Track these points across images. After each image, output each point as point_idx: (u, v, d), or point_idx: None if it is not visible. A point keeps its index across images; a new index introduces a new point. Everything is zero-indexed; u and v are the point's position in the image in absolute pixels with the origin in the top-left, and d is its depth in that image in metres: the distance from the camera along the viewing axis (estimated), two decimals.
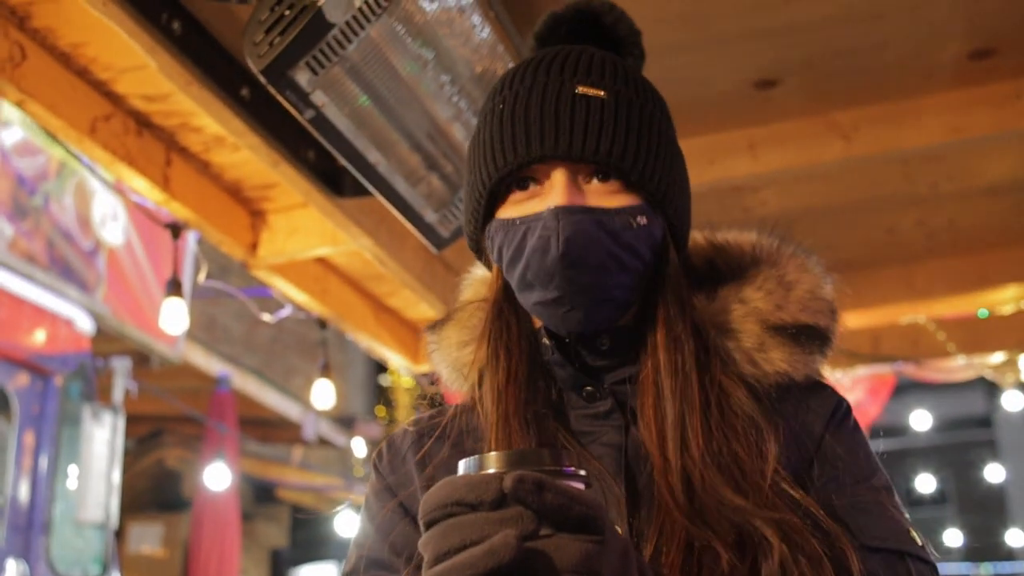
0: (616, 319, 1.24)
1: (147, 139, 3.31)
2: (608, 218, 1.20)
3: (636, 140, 1.23)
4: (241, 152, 3.45)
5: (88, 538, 6.23)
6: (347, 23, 2.28)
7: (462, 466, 0.88)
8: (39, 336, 6.14)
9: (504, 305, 1.30)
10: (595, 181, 1.22)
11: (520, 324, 1.29)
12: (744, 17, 2.98)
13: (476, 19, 2.63)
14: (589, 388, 1.26)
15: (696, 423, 1.18)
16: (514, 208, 1.25)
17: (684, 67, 3.08)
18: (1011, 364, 5.27)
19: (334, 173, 3.21)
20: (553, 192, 1.21)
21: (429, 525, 0.85)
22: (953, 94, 3.38)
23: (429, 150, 2.82)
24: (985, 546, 18.84)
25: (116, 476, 6.40)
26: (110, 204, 6.83)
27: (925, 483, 14.44)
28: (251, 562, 9.45)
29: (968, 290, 4.80)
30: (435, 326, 1.42)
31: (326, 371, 4.61)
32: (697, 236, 1.38)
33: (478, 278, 1.44)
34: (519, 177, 1.24)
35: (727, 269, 1.34)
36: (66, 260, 6.42)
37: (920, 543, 1.19)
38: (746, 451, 1.17)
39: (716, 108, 3.43)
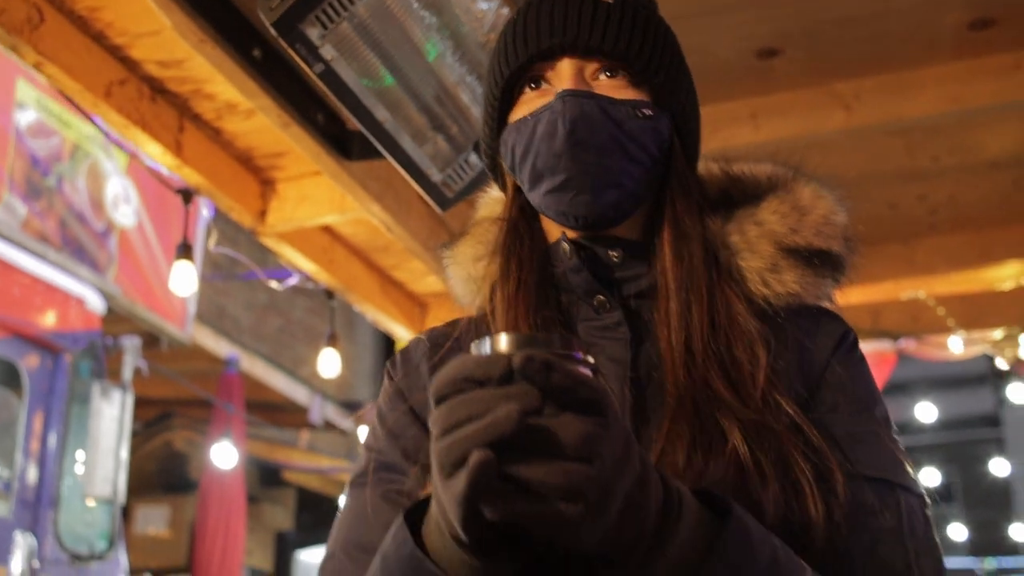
0: (625, 209, 1.26)
1: (161, 105, 3.38)
2: (613, 106, 1.24)
3: (642, 37, 1.28)
4: (252, 120, 3.52)
5: (95, 514, 6.29)
6: None
7: (473, 347, 0.89)
8: (51, 314, 6.20)
9: (519, 221, 1.34)
10: (603, 77, 1.26)
11: (534, 240, 1.32)
12: None
13: None
14: (601, 297, 1.27)
15: (699, 317, 1.21)
16: (525, 107, 1.29)
17: (686, 35, 3.10)
18: (1011, 340, 5.30)
19: (343, 137, 3.27)
20: (560, 82, 1.26)
21: (439, 402, 0.86)
22: (953, 64, 3.42)
23: (436, 111, 2.87)
24: (989, 540, 18.85)
25: (124, 453, 6.45)
26: (122, 186, 6.90)
27: (930, 478, 14.45)
28: (256, 544, 9.52)
29: (969, 266, 4.84)
30: (449, 243, 1.45)
31: (332, 341, 4.67)
32: (712, 166, 1.40)
33: (493, 197, 1.47)
34: (530, 77, 1.29)
35: (742, 198, 1.35)
36: (78, 240, 6.49)
37: (912, 477, 1.20)
38: (744, 358, 1.20)
39: (718, 77, 3.47)
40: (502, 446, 0.81)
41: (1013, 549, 19.13)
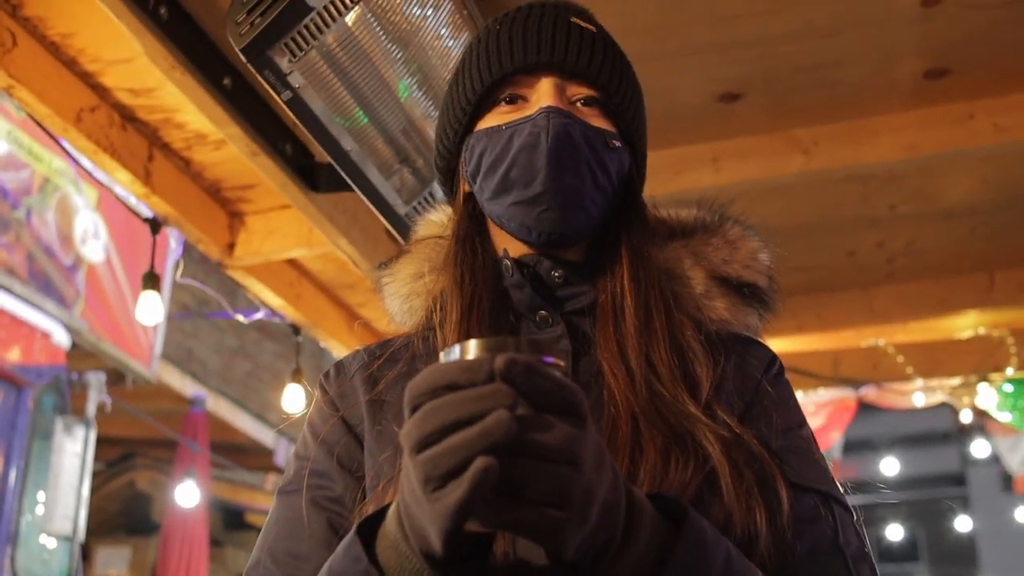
0: (583, 232, 1.29)
1: (131, 133, 3.41)
2: (591, 132, 1.27)
3: (620, 73, 1.32)
4: (222, 151, 3.56)
5: (54, 552, 6.23)
6: (325, 8, 2.40)
7: (443, 356, 0.86)
8: (15, 348, 6.18)
9: (470, 232, 1.35)
10: (579, 104, 1.30)
11: (484, 252, 1.34)
12: (708, 30, 3.11)
13: (446, 27, 2.75)
14: (543, 312, 1.29)
15: (659, 345, 1.24)
16: (497, 118, 1.31)
17: (650, 78, 3.17)
18: (968, 388, 5.38)
19: (310, 168, 3.32)
20: (542, 97, 1.28)
21: (414, 410, 0.84)
22: (909, 113, 3.51)
23: (402, 144, 2.92)
24: None
25: (85, 490, 6.41)
26: (92, 222, 6.91)
27: (894, 534, 14.48)
28: None
29: (927, 315, 4.93)
30: (387, 262, 1.46)
31: (297, 376, 4.68)
32: None
33: (432, 220, 1.49)
34: (507, 90, 1.31)
35: (669, 236, 1.39)
36: (46, 274, 6.49)
37: (843, 491, 1.25)
38: (697, 375, 1.23)
39: (681, 120, 3.55)
40: (495, 452, 0.79)
41: None
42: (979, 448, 8.49)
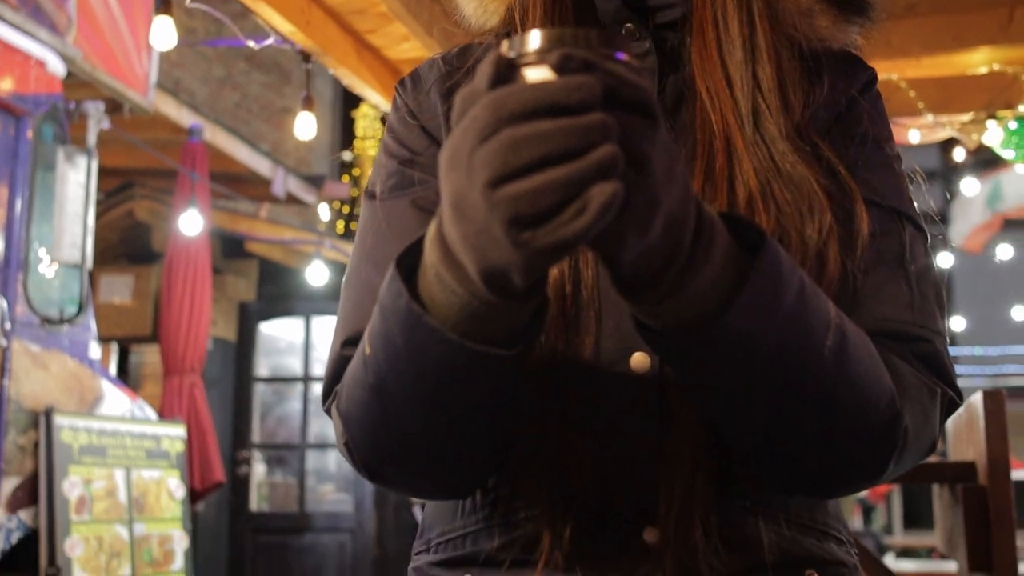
0: None
1: None
2: None
3: None
4: None
5: (64, 279, 6.34)
6: None
7: (504, 46, 0.76)
8: (8, 77, 6.08)
9: None
10: None
11: None
12: None
13: None
14: (629, 25, 1.22)
15: (764, 56, 1.17)
16: None
17: None
18: (978, 124, 5.36)
19: None
20: None
21: (493, 133, 0.72)
22: None
23: None
24: None
25: (91, 219, 6.47)
26: None
27: None
28: (220, 314, 9.63)
29: (943, 50, 4.85)
30: None
31: (308, 104, 4.63)
32: None
33: None
34: None
35: None
36: (36, 1, 6.30)
37: (917, 210, 1.21)
38: (792, 102, 1.17)
39: None
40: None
41: (951, 340, 19.93)
42: (968, 187, 8.50)
